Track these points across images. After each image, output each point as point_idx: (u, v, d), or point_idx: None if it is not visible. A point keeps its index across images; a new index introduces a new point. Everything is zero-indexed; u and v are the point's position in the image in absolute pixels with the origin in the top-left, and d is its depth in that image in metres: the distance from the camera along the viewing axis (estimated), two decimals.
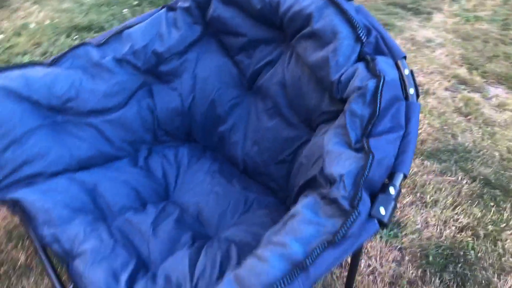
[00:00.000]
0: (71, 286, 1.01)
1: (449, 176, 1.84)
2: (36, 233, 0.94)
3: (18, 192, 0.98)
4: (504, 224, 1.63)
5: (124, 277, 0.86)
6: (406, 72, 0.86)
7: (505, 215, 1.66)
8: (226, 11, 1.10)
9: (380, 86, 0.79)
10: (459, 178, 1.83)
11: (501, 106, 2.30)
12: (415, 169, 1.85)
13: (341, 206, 0.70)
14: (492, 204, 1.71)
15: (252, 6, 1.03)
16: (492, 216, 1.66)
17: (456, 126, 2.13)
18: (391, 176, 0.77)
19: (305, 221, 0.71)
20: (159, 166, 1.18)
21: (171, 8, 1.18)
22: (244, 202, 1.10)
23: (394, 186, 0.76)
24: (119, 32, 1.15)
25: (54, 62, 1.09)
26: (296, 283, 0.63)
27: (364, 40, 0.87)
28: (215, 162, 1.20)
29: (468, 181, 1.82)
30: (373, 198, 0.74)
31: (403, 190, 1.75)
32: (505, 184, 1.81)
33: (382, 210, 0.73)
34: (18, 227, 1.52)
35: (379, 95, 0.79)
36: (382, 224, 0.73)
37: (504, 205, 1.71)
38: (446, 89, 2.42)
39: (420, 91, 2.27)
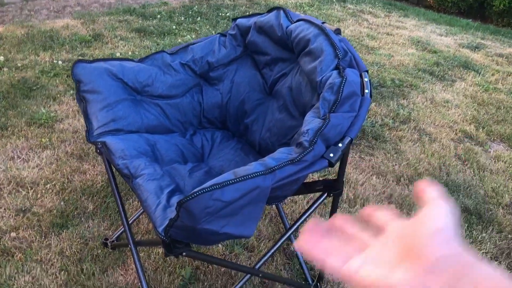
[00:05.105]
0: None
1: None
2: (113, 163, 1.43)
3: (106, 138, 1.48)
4: (471, 240, 1.96)
5: (166, 190, 1.31)
6: (366, 79, 1.32)
7: (474, 233, 2.00)
8: (258, 37, 1.61)
9: (343, 82, 1.25)
10: None
11: (496, 158, 2.64)
12: (406, 192, 2.23)
13: (303, 145, 1.14)
14: (466, 225, 2.05)
15: (275, 34, 1.54)
16: (464, 233, 2.00)
17: (452, 168, 2.49)
18: (342, 139, 1.21)
19: (280, 152, 1.16)
20: (200, 141, 1.66)
21: (222, 34, 1.71)
22: None
23: (342, 143, 1.20)
24: (186, 46, 1.69)
25: (141, 60, 1.63)
26: (267, 177, 1.07)
27: (340, 57, 1.34)
28: (239, 143, 1.67)
29: None
30: (328, 148, 1.18)
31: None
32: (482, 213, 2.14)
33: (331, 155, 1.16)
34: (90, 187, 2.03)
35: (342, 88, 1.25)
36: (330, 164, 1.16)
37: (477, 227, 2.04)
38: (452, 139, 2.80)
39: (427, 138, 2.68)
